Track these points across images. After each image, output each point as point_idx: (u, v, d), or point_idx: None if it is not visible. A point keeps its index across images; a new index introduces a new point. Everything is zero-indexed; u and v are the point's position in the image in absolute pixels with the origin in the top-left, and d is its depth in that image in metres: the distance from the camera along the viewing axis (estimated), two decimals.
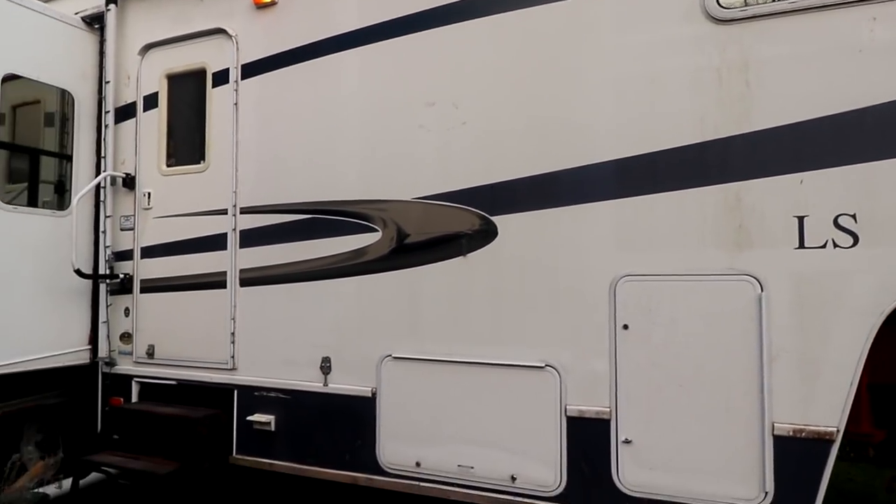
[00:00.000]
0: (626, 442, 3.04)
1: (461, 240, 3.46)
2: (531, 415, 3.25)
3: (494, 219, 3.40)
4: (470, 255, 3.44)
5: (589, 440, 3.12)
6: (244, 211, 4.08)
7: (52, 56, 4.46)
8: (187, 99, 4.39)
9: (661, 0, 3.12)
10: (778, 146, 2.88)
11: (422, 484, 3.46)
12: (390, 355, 3.60)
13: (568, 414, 3.18)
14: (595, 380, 3.14)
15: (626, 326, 3.09)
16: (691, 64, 3.05)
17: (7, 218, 4.17)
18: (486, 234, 3.41)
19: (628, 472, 3.02)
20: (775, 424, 2.78)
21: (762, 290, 2.85)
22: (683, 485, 2.92)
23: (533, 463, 3.22)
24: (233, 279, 4.08)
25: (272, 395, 3.91)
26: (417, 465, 3.48)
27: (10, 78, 4.24)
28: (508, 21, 3.43)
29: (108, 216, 4.54)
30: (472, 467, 3.34)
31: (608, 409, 3.10)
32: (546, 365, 3.24)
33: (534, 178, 3.32)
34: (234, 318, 4.07)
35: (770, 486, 2.77)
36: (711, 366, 2.92)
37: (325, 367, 3.78)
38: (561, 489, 3.15)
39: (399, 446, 3.54)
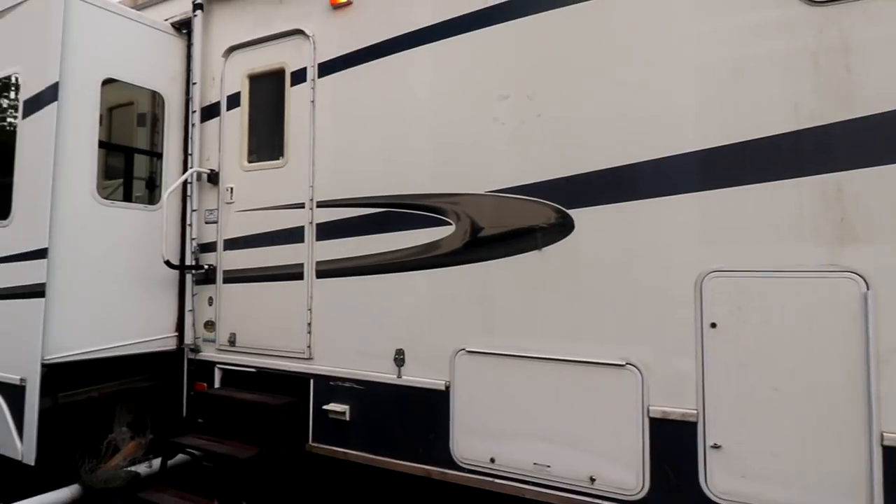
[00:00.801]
0: (715, 447, 2.79)
1: (536, 233, 3.29)
2: (611, 414, 3.05)
3: (571, 212, 3.21)
4: (545, 248, 3.27)
5: (674, 443, 2.89)
6: (320, 205, 4.05)
7: (145, 61, 4.59)
8: (267, 98, 4.42)
9: None
10: (884, 133, 2.56)
11: (496, 480, 3.32)
12: (464, 349, 3.47)
13: (651, 415, 2.95)
14: (680, 380, 2.91)
15: (713, 325, 2.84)
16: (783, 49, 2.78)
17: (105, 212, 4.31)
18: (563, 227, 3.22)
19: (717, 479, 2.77)
20: (884, 434, 2.47)
21: (868, 288, 2.54)
22: (779, 495, 2.66)
23: (613, 464, 3.01)
24: (309, 271, 4.06)
25: (347, 385, 3.86)
26: (492, 460, 3.33)
27: (108, 82, 4.36)
28: (583, 11, 3.24)
29: (194, 210, 4.63)
30: (549, 466, 3.17)
31: (695, 412, 2.86)
32: (627, 363, 3.03)
33: (612, 170, 3.11)
34: (310, 309, 4.05)
35: (879, 501, 2.45)
36: (809, 369, 2.64)
37: (399, 359, 3.68)
38: (644, 493, 2.94)
39: (473, 441, 3.40)
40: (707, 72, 2.92)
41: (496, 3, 3.48)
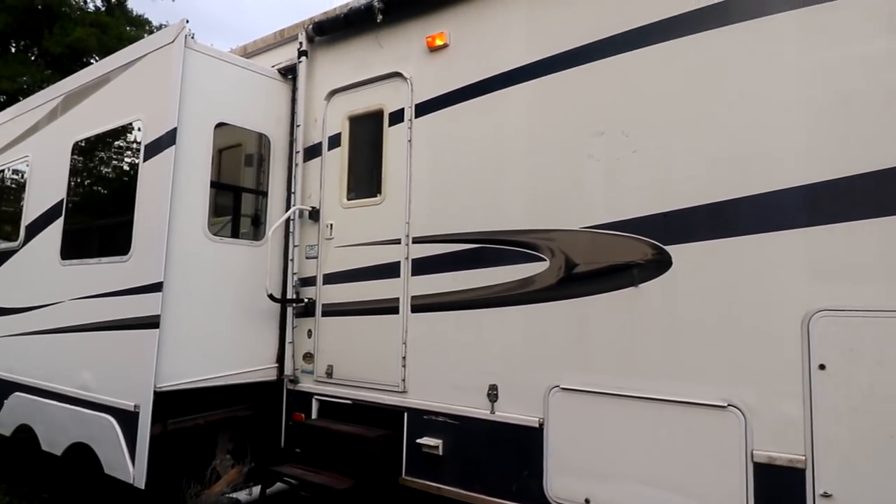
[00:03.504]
0: (826, 496, 2.85)
1: (632, 270, 3.50)
2: (712, 458, 3.17)
3: (668, 248, 3.40)
4: (642, 285, 3.46)
5: (780, 490, 2.97)
6: (416, 241, 4.45)
7: (253, 105, 5.24)
8: (366, 137, 4.92)
9: (853, 15, 2.99)
10: None
11: None
12: (558, 386, 3.70)
13: (755, 460, 3.05)
14: (787, 424, 3.00)
15: (822, 367, 2.93)
16: (893, 81, 2.87)
17: (214, 248, 4.92)
18: (660, 264, 3.41)
19: None
20: None
21: None
22: None
23: None
24: (405, 305, 4.45)
25: (440, 419, 4.16)
26: (587, 501, 3.52)
27: (220, 125, 5.02)
28: (680, 47, 3.49)
29: (296, 246, 5.17)
30: None
31: (803, 458, 2.93)
32: (729, 405, 3.15)
33: (712, 205, 3.29)
34: (405, 343, 4.42)
35: None
36: None
37: (493, 394, 3.95)
38: None
39: (568, 480, 3.60)
40: (813, 104, 3.08)
41: (590, 41, 3.79)
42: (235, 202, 5.45)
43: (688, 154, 3.39)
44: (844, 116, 2.98)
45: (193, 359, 4.74)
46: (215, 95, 4.99)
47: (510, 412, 3.88)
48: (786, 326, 3.03)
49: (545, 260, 3.82)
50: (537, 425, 3.75)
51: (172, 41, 4.81)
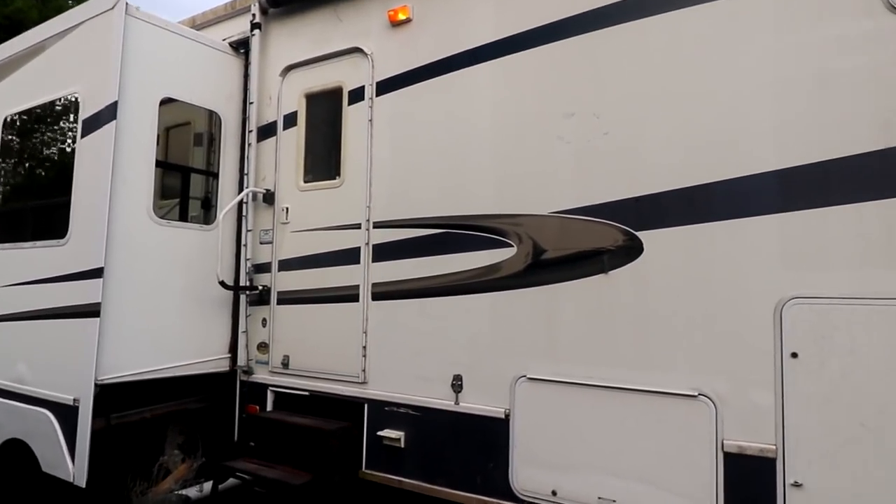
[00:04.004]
0: (796, 485, 2.82)
1: (602, 256, 3.40)
2: (682, 448, 3.12)
3: (639, 234, 3.31)
4: (612, 272, 3.38)
5: (750, 480, 2.94)
6: (377, 225, 4.27)
7: (202, 80, 4.94)
8: (324, 117, 4.70)
9: None
10: None
11: None
12: (525, 376, 3.60)
13: (725, 449, 3.01)
14: (758, 413, 2.96)
15: (794, 355, 2.89)
16: (872, 63, 2.84)
17: (160, 232, 4.64)
18: (630, 250, 3.33)
19: None
20: None
21: None
22: None
23: (684, 500, 3.08)
24: (365, 293, 4.28)
25: (402, 410, 4.02)
26: (553, 493, 3.43)
27: (166, 102, 4.72)
28: (653, 25, 3.38)
29: (249, 230, 4.93)
30: (615, 501, 3.25)
31: (773, 447, 2.90)
32: (699, 394, 3.10)
33: (684, 190, 3.21)
34: (365, 332, 4.25)
35: None
36: None
37: (457, 385, 3.83)
38: None
39: (534, 472, 3.51)
40: (788, 87, 3.00)
41: (559, 18, 3.65)
42: (184, 184, 5.16)
43: (660, 137, 3.30)
44: (820, 99, 2.92)
45: (139, 349, 4.48)
46: (160, 68, 4.68)
47: (475, 403, 3.77)
48: (758, 314, 2.98)
49: (512, 246, 3.70)
50: (503, 416, 3.64)
51: (112, 7, 4.46)
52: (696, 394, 3.10)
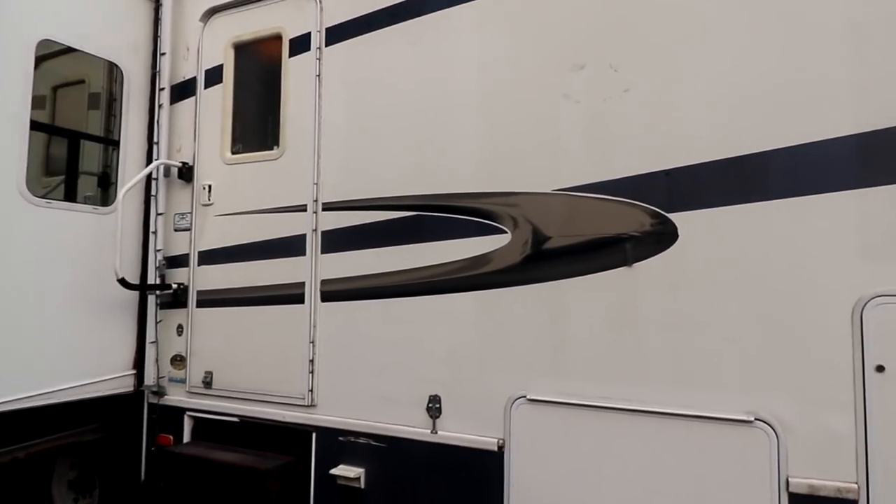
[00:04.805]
0: None
1: (624, 244, 2.72)
2: (733, 487, 2.47)
3: (672, 216, 2.65)
4: (637, 264, 2.70)
5: None
6: (328, 207, 3.43)
7: (98, 23, 3.93)
8: (257, 72, 3.84)
9: None
10: None
11: None
12: (524, 396, 2.86)
13: (791, 489, 2.39)
14: (833, 443, 2.35)
15: (880, 368, 2.30)
16: None
17: (38, 215, 3.59)
18: (661, 236, 2.65)
19: None
20: None
21: None
22: None
23: None
24: (312, 292, 3.44)
25: (362, 441, 3.22)
26: None
27: (52, 52, 3.67)
28: None
29: (160, 214, 3.99)
30: None
31: (855, 486, 2.31)
32: (755, 419, 2.45)
33: (731, 161, 2.56)
34: (313, 342, 3.40)
35: None
36: None
37: (434, 408, 3.05)
38: None
39: None
40: (870, 30, 2.38)
41: None
42: (73, 155, 4.08)
43: (699, 93, 2.63)
44: None
45: (9, 370, 3.42)
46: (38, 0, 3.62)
47: (458, 431, 3.00)
48: (830, 317, 2.37)
49: (506, 232, 2.95)
50: (496, 448, 2.89)
51: None
52: (750, 419, 2.46)
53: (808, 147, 2.44)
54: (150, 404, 3.93)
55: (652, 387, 2.65)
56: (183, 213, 3.94)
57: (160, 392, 3.91)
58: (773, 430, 2.43)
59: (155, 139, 4.02)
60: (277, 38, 3.69)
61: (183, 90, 4.03)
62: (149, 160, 4.03)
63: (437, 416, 3.06)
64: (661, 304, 2.65)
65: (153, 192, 3.99)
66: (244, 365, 3.63)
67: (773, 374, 2.45)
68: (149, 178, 3.97)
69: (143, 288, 3.95)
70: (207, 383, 3.73)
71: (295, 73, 3.61)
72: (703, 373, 2.57)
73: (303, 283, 3.46)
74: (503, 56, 3.05)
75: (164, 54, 4.05)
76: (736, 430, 2.49)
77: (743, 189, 2.53)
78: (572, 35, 2.90)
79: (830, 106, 2.42)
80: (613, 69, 2.80)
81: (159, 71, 4.06)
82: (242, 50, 3.86)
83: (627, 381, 2.69)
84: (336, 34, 3.51)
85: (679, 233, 2.63)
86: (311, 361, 3.40)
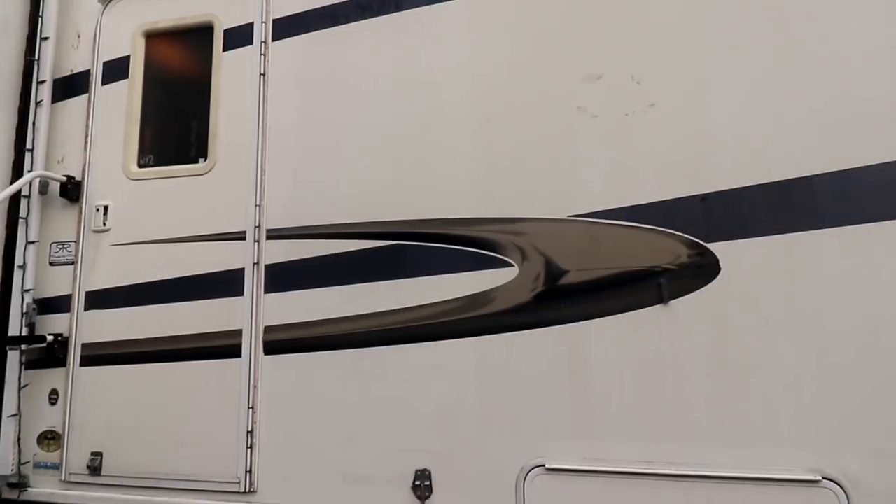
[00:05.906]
0: None
1: (657, 279, 2.35)
2: None
3: (712, 247, 2.32)
4: (674, 302, 2.32)
5: None
6: (275, 235, 2.75)
7: None
8: (179, 67, 3.08)
9: None
10: None
11: None
12: (541, 465, 2.34)
13: None
14: None
15: None
16: None
17: None
18: (700, 269, 2.32)
19: None
20: None
21: None
22: None
23: None
24: (252, 342, 2.69)
25: None
26: None
27: None
28: None
29: (32, 242, 3.02)
30: None
31: None
32: (822, 477, 2.12)
33: (780, 184, 2.30)
34: (252, 407, 2.65)
35: None
36: None
37: (422, 486, 2.44)
38: None
39: None
40: None
41: None
42: None
43: (739, 106, 2.37)
44: None
45: None
46: None
47: None
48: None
49: (512, 265, 2.48)
50: None
51: None
52: (817, 478, 2.13)
53: (871, 169, 2.22)
54: (4, 501, 2.88)
55: (697, 445, 2.25)
56: (64, 242, 3.02)
57: (21, 484, 2.87)
58: (843, 489, 2.12)
59: (28, 145, 3.08)
60: (207, 27, 3.00)
61: (70, 86, 3.16)
62: (17, 173, 3.08)
63: (427, 497, 2.44)
64: (703, 346, 2.29)
65: (23, 214, 3.03)
66: (151, 441, 2.74)
67: (839, 425, 2.16)
68: (17, 195, 3.02)
69: (1, 342, 2.96)
70: (94, 469, 2.77)
71: (231, 70, 2.93)
72: (758, 426, 2.22)
73: (239, 332, 2.70)
74: (503, 60, 2.62)
75: (46, 39, 3.17)
76: (800, 492, 2.14)
77: (796, 216, 2.26)
78: (589, 39, 2.55)
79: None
80: (636, 81, 2.49)
81: (38, 59, 3.16)
82: (158, 40, 3.09)
83: (668, 441, 2.28)
84: (287, 27, 2.91)
85: (721, 265, 2.32)
86: (250, 433, 2.63)
